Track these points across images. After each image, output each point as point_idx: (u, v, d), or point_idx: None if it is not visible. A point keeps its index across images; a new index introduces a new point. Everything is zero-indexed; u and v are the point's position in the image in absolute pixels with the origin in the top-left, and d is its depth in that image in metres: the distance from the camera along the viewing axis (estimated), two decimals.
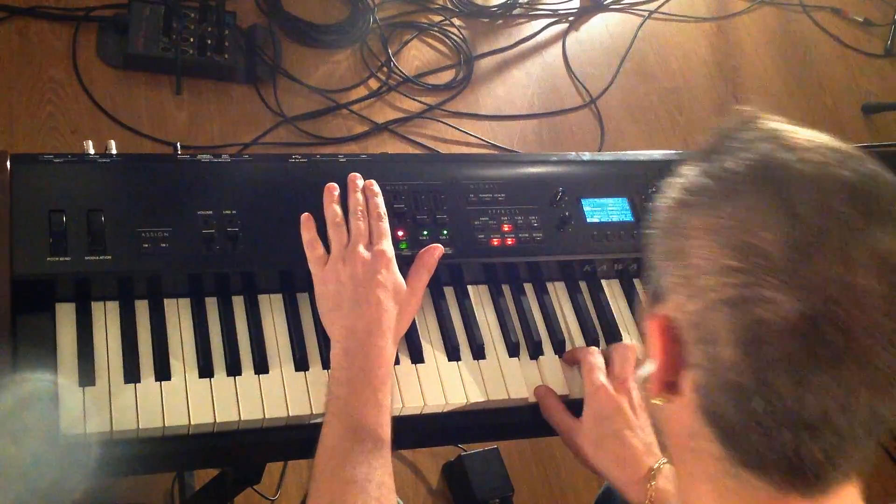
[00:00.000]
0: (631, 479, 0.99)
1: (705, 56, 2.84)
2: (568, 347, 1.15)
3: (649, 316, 0.70)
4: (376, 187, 1.11)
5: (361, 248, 1.04)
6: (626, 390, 1.05)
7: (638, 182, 1.25)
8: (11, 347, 0.94)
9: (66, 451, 0.90)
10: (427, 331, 1.12)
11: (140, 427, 0.94)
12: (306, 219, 1.07)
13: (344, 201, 1.09)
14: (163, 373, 0.99)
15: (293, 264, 1.07)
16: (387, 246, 1.05)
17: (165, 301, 1.04)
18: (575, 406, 1.09)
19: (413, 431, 1.05)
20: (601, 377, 1.06)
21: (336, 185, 1.09)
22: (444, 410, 1.07)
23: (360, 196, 1.09)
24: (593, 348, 1.11)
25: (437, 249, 1.09)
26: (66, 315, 1.00)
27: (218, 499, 1.54)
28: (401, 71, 2.45)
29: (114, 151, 1.10)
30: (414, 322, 1.11)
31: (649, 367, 0.70)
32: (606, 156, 1.38)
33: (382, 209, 1.09)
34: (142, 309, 1.03)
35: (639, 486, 0.98)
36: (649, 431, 1.03)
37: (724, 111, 2.72)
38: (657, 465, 0.99)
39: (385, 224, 1.08)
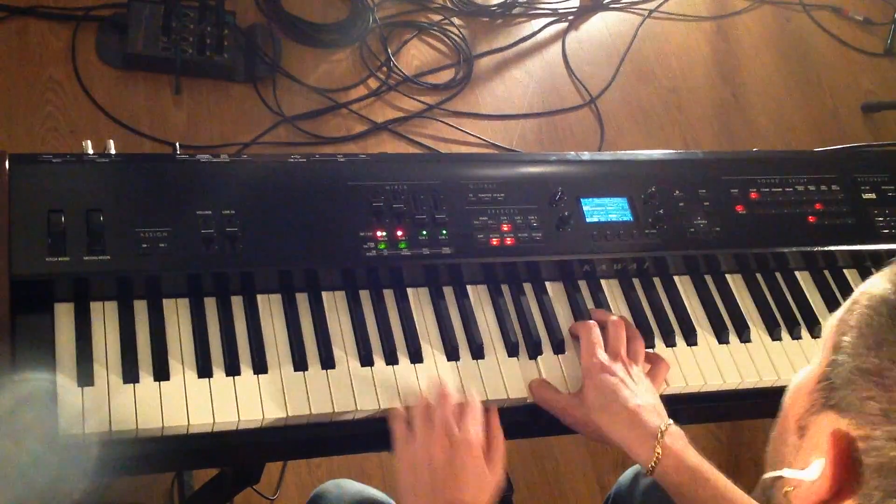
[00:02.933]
0: (638, 438, 1.01)
1: (705, 55, 2.84)
2: (567, 348, 1.15)
3: (829, 426, 0.63)
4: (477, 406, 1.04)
5: (445, 432, 0.98)
6: (622, 362, 1.08)
7: (638, 182, 1.25)
8: (10, 347, 0.94)
9: (65, 451, 0.90)
10: (426, 331, 1.12)
11: (139, 427, 0.95)
12: (396, 415, 1.02)
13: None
14: (162, 373, 0.99)
15: (292, 264, 1.07)
16: (473, 432, 1.00)
17: (164, 301, 1.04)
18: None
19: None
20: (599, 353, 1.09)
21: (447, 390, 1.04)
22: None
23: (449, 400, 1.03)
24: (592, 324, 1.13)
25: (493, 416, 1.04)
26: (64, 315, 1.00)
27: (217, 499, 1.54)
28: (400, 70, 2.45)
29: (113, 151, 1.10)
30: (413, 322, 1.11)
31: (806, 474, 0.65)
32: (606, 155, 1.38)
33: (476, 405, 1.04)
34: (140, 309, 1.03)
35: (646, 444, 1.00)
36: (651, 395, 1.06)
37: (723, 110, 2.72)
38: (664, 425, 1.00)
39: (477, 412, 1.02)
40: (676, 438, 1.01)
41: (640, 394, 1.05)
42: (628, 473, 1.34)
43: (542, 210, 1.18)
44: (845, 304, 0.67)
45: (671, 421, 1.02)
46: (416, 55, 2.52)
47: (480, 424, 1.02)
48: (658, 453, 0.99)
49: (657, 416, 1.02)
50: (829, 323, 0.69)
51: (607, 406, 1.04)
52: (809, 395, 0.66)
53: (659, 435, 1.00)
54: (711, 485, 0.98)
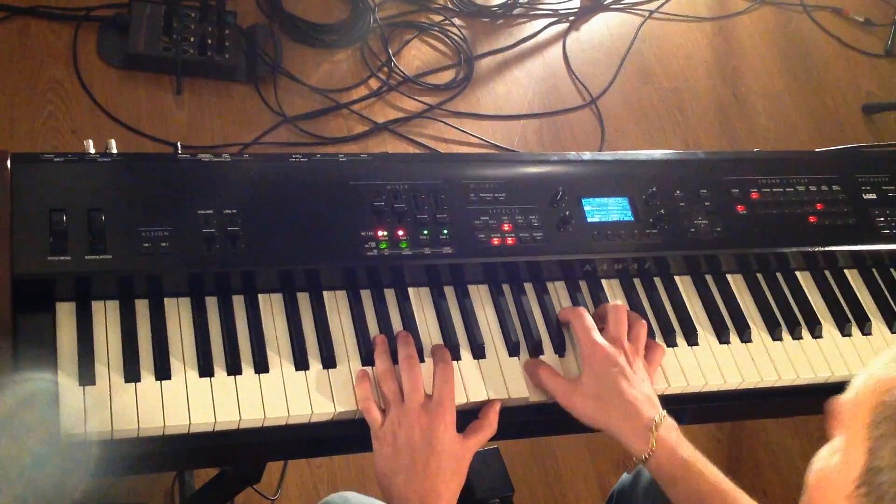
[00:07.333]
0: (633, 429, 1.02)
1: (705, 56, 2.84)
2: (568, 348, 1.15)
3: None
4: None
5: (417, 406, 1.01)
6: (622, 347, 1.08)
7: (638, 182, 1.25)
8: (12, 347, 0.94)
9: (67, 451, 0.90)
10: (427, 330, 1.12)
11: (140, 426, 0.95)
12: (361, 375, 1.04)
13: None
14: (163, 372, 0.99)
15: (293, 264, 1.07)
16: (447, 397, 1.02)
17: (166, 300, 1.04)
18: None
19: None
20: (597, 336, 1.09)
21: (385, 336, 1.07)
22: None
23: (410, 348, 1.06)
24: (582, 309, 1.13)
25: (494, 405, 1.07)
26: (66, 314, 1.00)
27: (218, 498, 1.54)
28: (401, 71, 2.45)
29: (114, 151, 1.10)
30: (414, 321, 1.11)
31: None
32: (607, 155, 1.38)
33: (448, 357, 1.06)
34: (142, 308, 1.03)
35: (641, 436, 1.01)
36: (647, 385, 1.06)
37: (724, 111, 2.72)
38: (658, 417, 1.01)
39: (448, 367, 1.05)
40: (670, 430, 1.02)
41: (638, 383, 1.06)
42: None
43: (543, 210, 1.18)
44: (864, 392, 0.64)
45: (665, 412, 1.03)
46: (416, 55, 2.52)
47: (452, 383, 1.03)
48: (652, 445, 1.00)
49: (652, 408, 1.03)
50: (850, 406, 0.65)
51: (604, 395, 1.05)
52: (848, 500, 0.63)
53: (654, 427, 1.01)
54: (704, 478, 0.99)
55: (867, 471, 0.61)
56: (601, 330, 1.11)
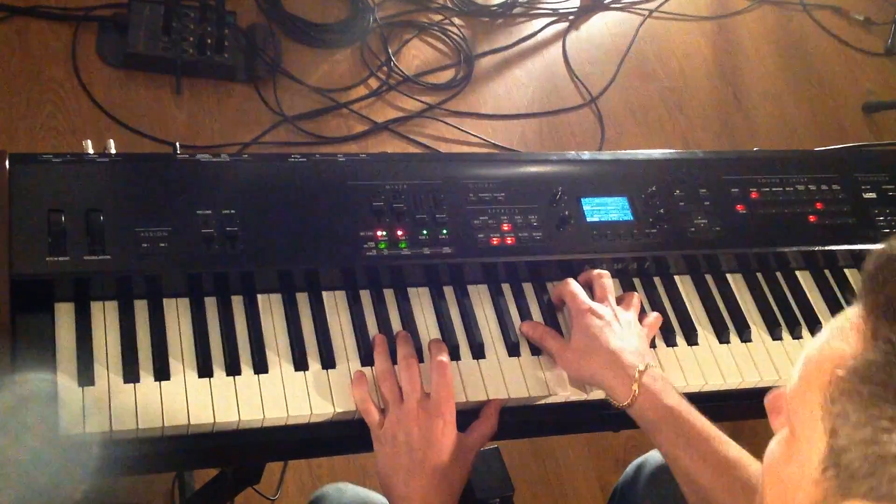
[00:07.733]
0: (616, 377, 1.04)
1: (705, 55, 2.84)
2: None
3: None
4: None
5: (416, 406, 1.00)
6: (609, 305, 1.12)
7: (638, 181, 1.25)
8: (11, 347, 0.94)
9: (66, 451, 0.90)
10: (426, 330, 1.11)
11: (139, 427, 0.94)
12: (358, 376, 1.03)
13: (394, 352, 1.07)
14: (162, 373, 0.99)
15: (292, 264, 1.06)
16: (446, 396, 1.02)
17: (165, 301, 1.04)
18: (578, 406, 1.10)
19: None
20: (584, 297, 1.12)
21: (384, 336, 1.07)
22: None
23: (409, 348, 1.06)
24: (569, 279, 1.16)
25: (494, 404, 1.07)
26: (65, 315, 1.00)
27: (218, 499, 1.54)
28: (401, 70, 2.45)
29: (113, 151, 1.10)
30: (413, 321, 1.11)
31: None
32: (606, 155, 1.38)
33: (445, 354, 1.06)
34: (141, 309, 1.03)
35: (623, 383, 1.03)
36: (638, 340, 1.09)
37: (724, 110, 2.72)
38: (643, 366, 1.03)
39: (446, 366, 1.04)
40: (656, 379, 1.03)
41: (626, 337, 1.08)
42: (633, 465, 1.34)
43: (543, 210, 1.18)
44: (809, 375, 0.61)
45: (654, 364, 1.05)
46: (416, 55, 2.52)
47: (450, 381, 1.03)
48: (634, 391, 1.02)
49: (638, 357, 1.05)
50: (796, 393, 0.62)
51: (590, 347, 1.07)
52: (817, 485, 0.59)
53: (636, 374, 1.02)
54: (689, 423, 1.00)
55: (831, 452, 0.58)
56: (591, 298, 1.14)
